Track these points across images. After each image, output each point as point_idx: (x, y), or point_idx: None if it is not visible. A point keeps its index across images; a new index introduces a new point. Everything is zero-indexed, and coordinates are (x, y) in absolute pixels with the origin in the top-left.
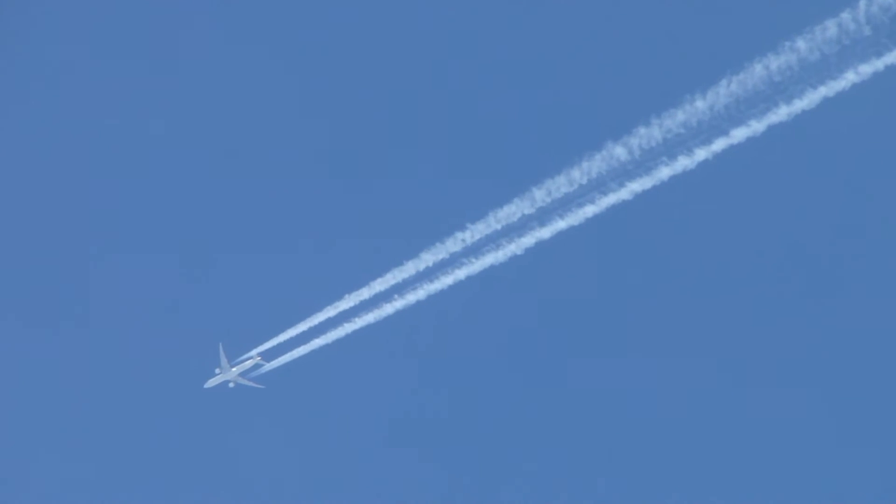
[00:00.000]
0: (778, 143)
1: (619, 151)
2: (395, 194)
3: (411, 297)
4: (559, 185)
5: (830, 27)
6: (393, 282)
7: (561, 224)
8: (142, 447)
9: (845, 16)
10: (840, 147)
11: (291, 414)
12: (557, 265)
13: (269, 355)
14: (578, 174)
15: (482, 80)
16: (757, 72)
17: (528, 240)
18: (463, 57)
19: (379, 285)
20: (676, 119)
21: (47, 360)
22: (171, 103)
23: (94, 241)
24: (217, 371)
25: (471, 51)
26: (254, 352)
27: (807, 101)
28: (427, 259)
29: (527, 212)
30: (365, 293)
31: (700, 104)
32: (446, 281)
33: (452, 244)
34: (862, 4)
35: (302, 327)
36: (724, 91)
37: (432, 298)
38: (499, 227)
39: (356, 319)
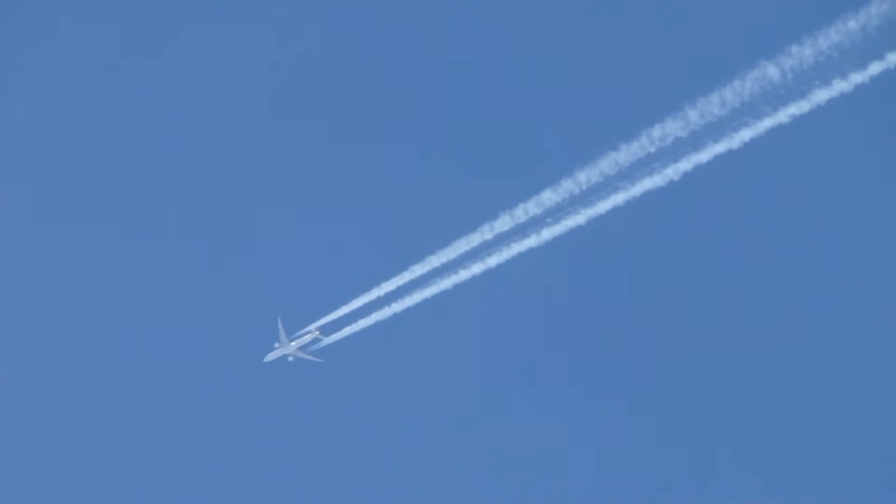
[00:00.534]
0: (775, 148)
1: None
2: (460, 172)
3: (470, 272)
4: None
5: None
6: (451, 257)
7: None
8: (207, 420)
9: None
10: (837, 149)
11: (352, 387)
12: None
13: (327, 330)
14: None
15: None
16: (754, 78)
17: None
18: (474, 58)
19: (436, 261)
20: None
21: (113, 332)
22: (221, 78)
23: (152, 219)
24: (276, 345)
25: (476, 52)
26: (312, 326)
27: (799, 106)
28: (486, 234)
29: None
30: (420, 270)
31: (695, 112)
32: (505, 256)
33: (513, 218)
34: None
35: (359, 302)
36: (723, 97)
37: (491, 273)
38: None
39: (415, 294)
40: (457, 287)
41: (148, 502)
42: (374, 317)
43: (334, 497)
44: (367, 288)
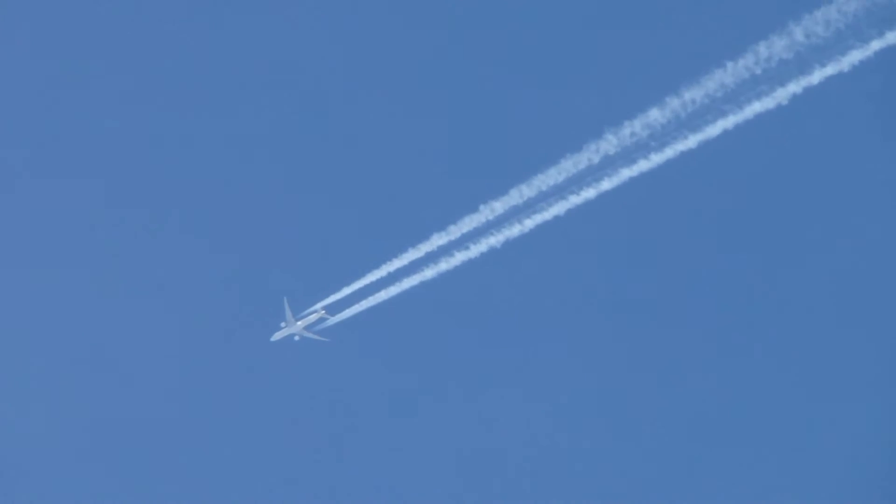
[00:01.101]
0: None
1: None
2: (459, 158)
3: (473, 252)
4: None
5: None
6: (452, 237)
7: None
8: (218, 397)
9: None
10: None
11: (365, 362)
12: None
13: (332, 310)
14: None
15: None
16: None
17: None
18: (462, 53)
19: (440, 240)
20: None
21: (124, 320)
22: (241, 64)
23: (159, 203)
24: (282, 325)
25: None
26: (318, 306)
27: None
28: (480, 218)
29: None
30: (424, 249)
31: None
32: (503, 238)
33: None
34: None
35: (363, 282)
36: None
37: (493, 253)
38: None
39: (415, 276)
40: (457, 268)
41: (155, 489)
42: (378, 297)
43: (342, 477)
44: (370, 269)
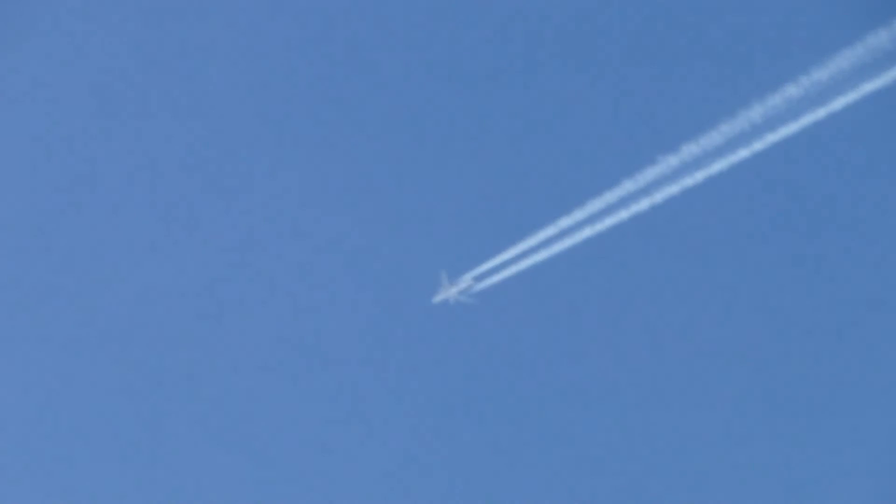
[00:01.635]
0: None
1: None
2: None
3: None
4: None
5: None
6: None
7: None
8: (385, 355)
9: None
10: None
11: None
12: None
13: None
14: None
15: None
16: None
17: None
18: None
19: (580, 214)
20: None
21: (301, 287)
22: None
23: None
24: (441, 290)
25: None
26: (468, 275)
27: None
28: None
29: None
30: (567, 221)
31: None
32: (640, 208)
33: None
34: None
35: (506, 256)
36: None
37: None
38: None
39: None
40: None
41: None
42: (517, 267)
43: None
44: (513, 242)
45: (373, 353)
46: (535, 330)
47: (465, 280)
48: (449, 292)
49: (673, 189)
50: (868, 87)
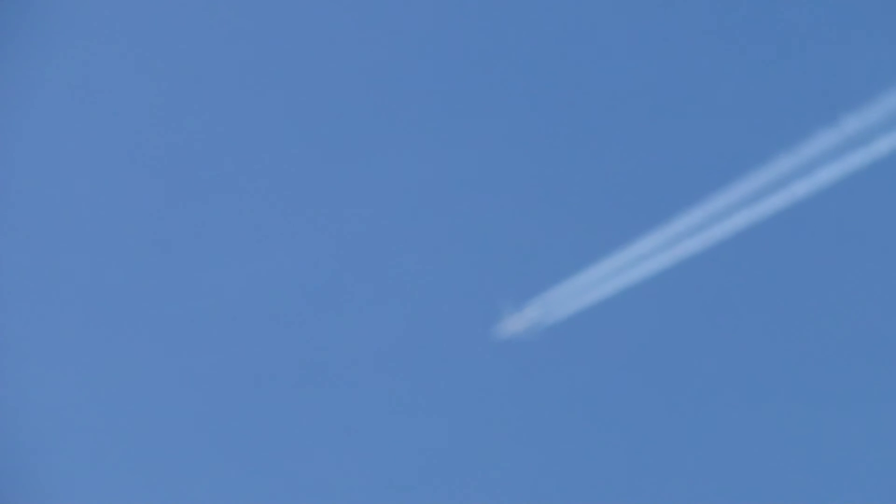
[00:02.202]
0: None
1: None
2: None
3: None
4: None
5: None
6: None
7: None
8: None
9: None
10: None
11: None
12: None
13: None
14: None
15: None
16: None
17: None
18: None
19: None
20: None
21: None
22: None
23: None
24: (506, 322)
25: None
26: (530, 309)
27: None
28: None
29: None
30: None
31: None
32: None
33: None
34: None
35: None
36: None
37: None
38: None
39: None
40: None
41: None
42: (576, 302)
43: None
44: (574, 272)
45: (412, 399)
46: (626, 373)
47: (534, 309)
48: (513, 325)
49: (799, 189)
50: None
